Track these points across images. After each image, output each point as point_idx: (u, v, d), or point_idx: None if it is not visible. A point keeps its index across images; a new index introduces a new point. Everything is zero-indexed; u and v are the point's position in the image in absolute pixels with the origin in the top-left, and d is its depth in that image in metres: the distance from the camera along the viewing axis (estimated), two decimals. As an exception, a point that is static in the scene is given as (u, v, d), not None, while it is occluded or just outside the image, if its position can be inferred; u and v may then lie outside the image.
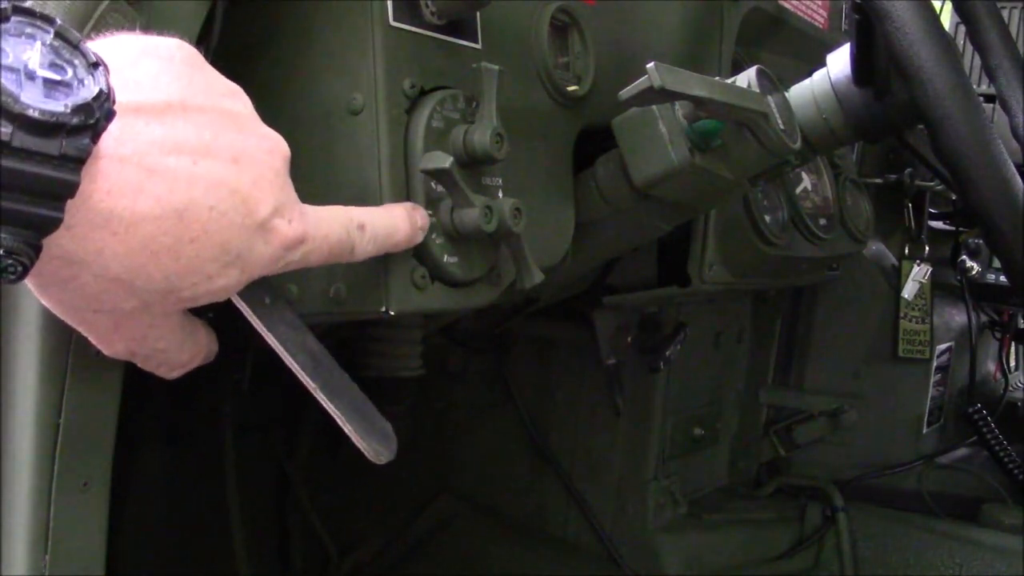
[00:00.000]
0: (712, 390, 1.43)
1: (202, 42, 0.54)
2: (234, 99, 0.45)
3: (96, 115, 0.36)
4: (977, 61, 1.22)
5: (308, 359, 0.51)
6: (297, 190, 0.48)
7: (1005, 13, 1.40)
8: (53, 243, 0.38)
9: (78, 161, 0.36)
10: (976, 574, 1.28)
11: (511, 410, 1.39)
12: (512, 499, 1.42)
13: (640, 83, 0.59)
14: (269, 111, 0.60)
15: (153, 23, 0.49)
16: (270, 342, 0.50)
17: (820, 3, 1.17)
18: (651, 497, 1.31)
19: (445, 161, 0.56)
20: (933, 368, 1.43)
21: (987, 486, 1.40)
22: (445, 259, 0.58)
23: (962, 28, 1.31)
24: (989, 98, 1.13)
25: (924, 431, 1.45)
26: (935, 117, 0.68)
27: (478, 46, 0.63)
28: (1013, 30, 1.39)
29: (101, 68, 0.37)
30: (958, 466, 1.45)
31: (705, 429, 1.42)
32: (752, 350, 1.49)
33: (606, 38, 0.76)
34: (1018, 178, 0.69)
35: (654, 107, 0.68)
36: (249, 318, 0.49)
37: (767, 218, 1.00)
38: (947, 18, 1.35)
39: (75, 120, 0.35)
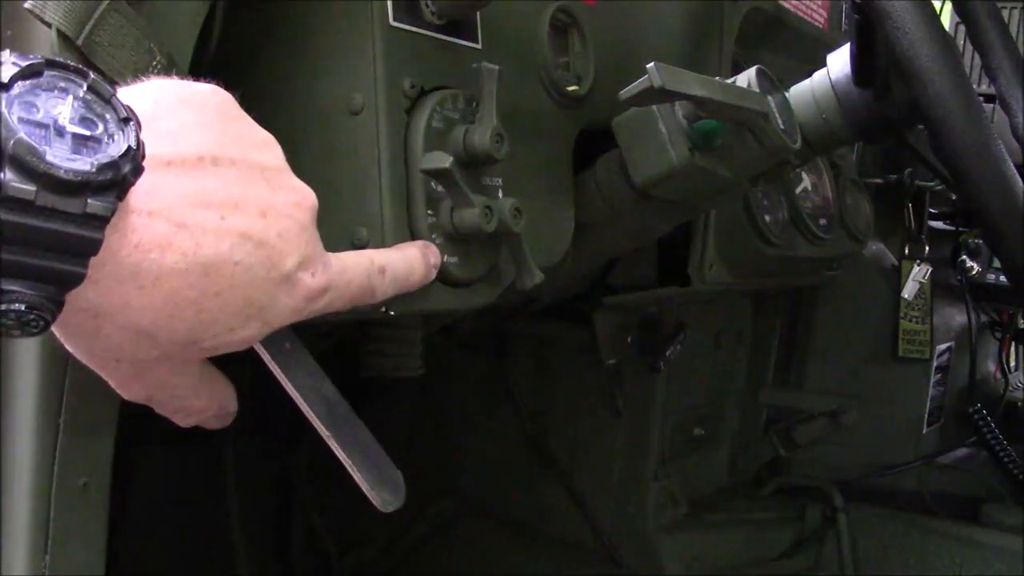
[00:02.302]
0: (712, 390, 1.43)
1: (202, 42, 0.54)
2: (265, 151, 0.45)
3: (123, 172, 0.36)
4: (977, 61, 1.21)
5: (324, 407, 0.51)
6: None
7: (1005, 13, 1.40)
8: (79, 296, 0.38)
9: (103, 219, 0.36)
10: (976, 574, 1.28)
11: (511, 410, 1.39)
12: (512, 499, 1.42)
13: (640, 83, 0.59)
14: (269, 111, 0.60)
15: (153, 23, 0.49)
16: (287, 388, 0.50)
17: (820, 3, 1.17)
18: (651, 497, 1.31)
19: (445, 161, 0.56)
20: (933, 368, 1.43)
21: (987, 486, 1.40)
22: (445, 259, 0.58)
23: (962, 28, 1.31)
24: (989, 98, 1.13)
25: (924, 431, 1.45)
26: (935, 117, 0.68)
27: (478, 46, 0.63)
28: (1013, 30, 1.39)
29: (132, 123, 0.37)
30: (958, 466, 1.45)
31: (705, 429, 1.42)
32: (752, 350, 1.49)
33: (606, 38, 0.76)
34: (1018, 178, 0.69)
35: (654, 107, 0.68)
36: (268, 363, 0.49)
37: (767, 218, 1.00)
38: (947, 18, 1.35)
39: (101, 178, 0.35)
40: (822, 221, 1.11)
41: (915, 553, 1.33)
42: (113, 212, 0.36)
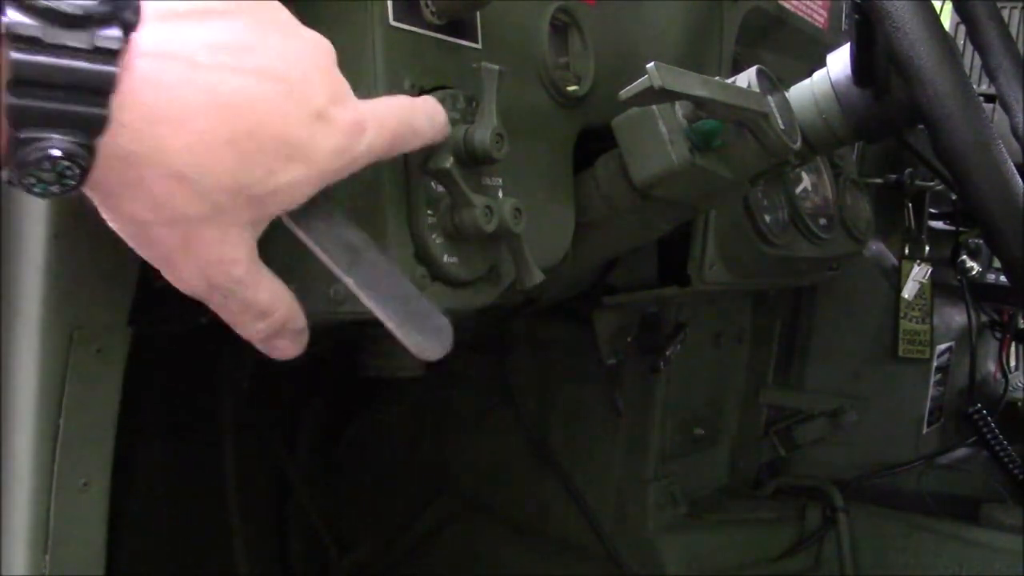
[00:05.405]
0: (712, 390, 1.43)
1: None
2: (273, 6, 0.45)
3: (123, 3, 0.37)
4: (977, 61, 1.21)
5: (344, 253, 0.48)
6: None
7: (1005, 13, 1.40)
8: (112, 143, 0.38)
9: (112, 52, 0.37)
10: (976, 574, 1.28)
11: (511, 410, 1.39)
12: (512, 499, 1.42)
13: (640, 83, 0.59)
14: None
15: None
16: (295, 233, 0.47)
17: (820, 3, 1.17)
18: (651, 497, 1.31)
19: (445, 161, 0.56)
20: (933, 368, 1.43)
21: (987, 486, 1.40)
22: (445, 259, 0.58)
23: (962, 28, 1.31)
24: (989, 98, 1.13)
25: (924, 431, 1.45)
26: (935, 117, 0.68)
27: (478, 46, 0.63)
28: (1013, 30, 1.39)
29: None
30: (958, 466, 1.45)
31: (705, 429, 1.42)
32: (752, 350, 1.49)
33: (606, 38, 0.76)
34: (1018, 178, 0.69)
35: (654, 107, 0.68)
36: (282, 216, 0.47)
37: (767, 218, 1.00)
38: (947, 18, 1.35)
39: (102, 9, 0.36)
40: (822, 221, 1.11)
41: (915, 553, 1.33)
42: (122, 46, 0.37)
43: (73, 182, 0.38)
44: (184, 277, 0.45)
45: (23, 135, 0.36)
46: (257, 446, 1.42)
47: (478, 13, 0.63)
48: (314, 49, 0.46)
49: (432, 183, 0.58)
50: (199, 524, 1.35)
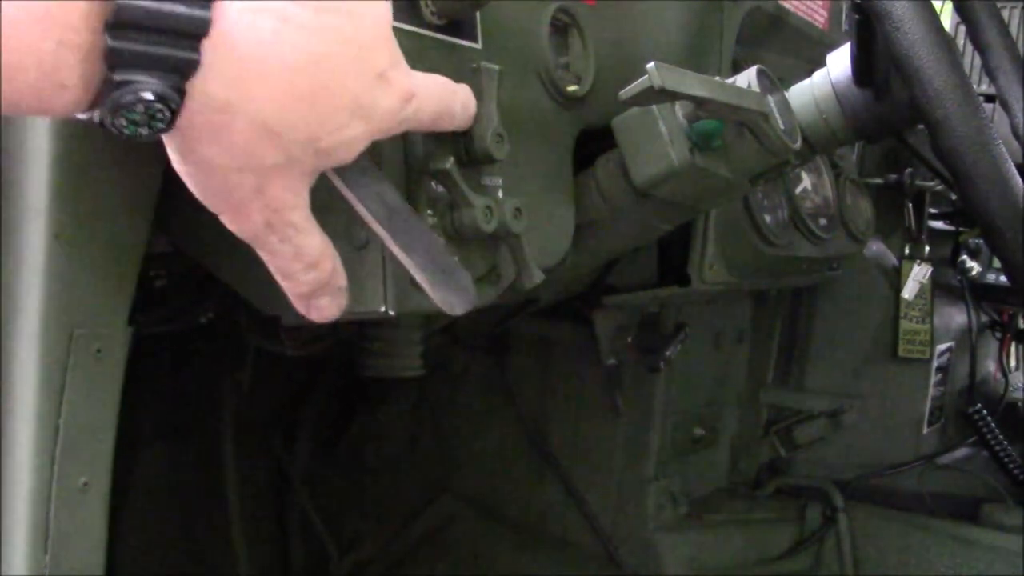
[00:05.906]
0: (712, 390, 1.43)
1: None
2: None
3: None
4: (977, 61, 1.22)
5: (382, 209, 0.51)
6: None
7: (1005, 13, 1.40)
8: (203, 88, 0.40)
9: None
10: (976, 574, 1.28)
11: (511, 410, 1.39)
12: (512, 499, 1.42)
13: (640, 83, 0.59)
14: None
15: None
16: (341, 190, 0.50)
17: (820, 3, 1.17)
18: (651, 497, 1.31)
19: (445, 161, 0.56)
20: (933, 368, 1.43)
21: (987, 486, 1.40)
22: (445, 259, 0.58)
23: (962, 28, 1.31)
24: (989, 98, 1.13)
25: (924, 431, 1.45)
26: (935, 117, 0.68)
27: (478, 46, 0.63)
28: (1013, 30, 1.39)
29: None
30: (958, 466, 1.45)
31: (705, 429, 1.42)
32: (752, 350, 1.49)
33: (606, 38, 0.76)
34: (1018, 178, 0.69)
35: (654, 107, 0.68)
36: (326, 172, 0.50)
37: (767, 218, 1.00)
38: (947, 18, 1.35)
39: None
40: (822, 221, 1.11)
41: (915, 553, 1.33)
42: None
43: (163, 124, 0.40)
44: (246, 220, 0.47)
45: (118, 77, 0.38)
46: (257, 445, 1.42)
47: (478, 13, 0.63)
48: (378, 11, 0.48)
49: (432, 183, 0.58)
50: (199, 524, 1.36)
